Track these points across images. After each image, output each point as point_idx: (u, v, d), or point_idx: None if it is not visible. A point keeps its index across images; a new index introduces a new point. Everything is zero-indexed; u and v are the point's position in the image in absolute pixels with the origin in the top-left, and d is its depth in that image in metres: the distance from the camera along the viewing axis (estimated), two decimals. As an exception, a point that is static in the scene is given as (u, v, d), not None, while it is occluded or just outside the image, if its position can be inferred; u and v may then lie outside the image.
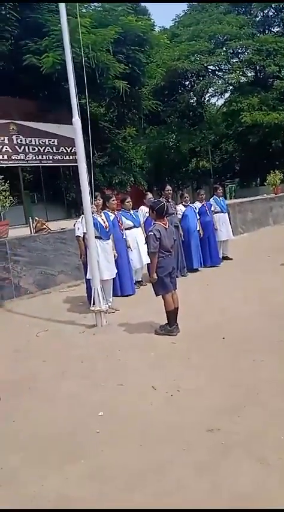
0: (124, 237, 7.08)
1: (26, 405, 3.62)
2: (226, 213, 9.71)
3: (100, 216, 6.28)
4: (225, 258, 9.54)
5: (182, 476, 2.52)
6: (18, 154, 14.51)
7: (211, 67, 25.65)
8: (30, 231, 8.34)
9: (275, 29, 25.90)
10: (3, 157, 13.95)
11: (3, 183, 7.58)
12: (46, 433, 3.12)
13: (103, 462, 2.72)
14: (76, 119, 5.41)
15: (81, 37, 5.96)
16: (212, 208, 9.26)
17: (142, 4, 23.29)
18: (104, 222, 6.26)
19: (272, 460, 2.57)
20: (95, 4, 15.53)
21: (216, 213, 9.34)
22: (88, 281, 6.23)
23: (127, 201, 7.59)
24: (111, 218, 6.72)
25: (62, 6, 5.31)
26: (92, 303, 5.57)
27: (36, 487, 2.54)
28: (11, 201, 7.74)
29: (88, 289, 6.30)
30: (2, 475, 2.65)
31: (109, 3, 14.97)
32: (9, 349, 5.11)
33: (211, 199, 9.66)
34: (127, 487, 2.48)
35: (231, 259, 9.55)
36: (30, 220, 8.62)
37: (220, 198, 9.76)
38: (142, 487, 2.47)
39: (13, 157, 14.34)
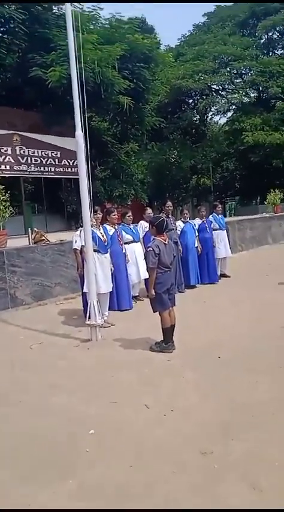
0: (123, 251, 7.07)
1: (15, 418, 3.55)
2: (225, 231, 9.73)
3: (99, 229, 6.28)
4: (223, 275, 9.53)
5: (173, 499, 2.46)
6: (21, 165, 14.58)
7: (214, 86, 26.05)
8: (29, 241, 8.32)
9: (279, 51, 26.44)
10: (5, 167, 14.01)
11: (3, 193, 7.58)
12: (35, 449, 3.05)
13: (92, 482, 2.66)
14: (79, 133, 5.43)
15: (77, 51, 5.97)
16: (211, 225, 9.27)
17: (149, 23, 23.75)
18: (103, 236, 6.26)
19: (265, 486, 2.51)
20: (102, 21, 15.73)
21: (215, 230, 9.35)
22: (84, 294, 6.19)
23: (128, 215, 7.60)
24: (111, 232, 6.72)
25: (69, 18, 5.36)
26: (88, 316, 5.53)
27: (23, 504, 2.47)
28: (11, 211, 7.74)
29: (85, 303, 6.26)
30: (-12, 491, 2.59)
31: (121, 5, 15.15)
32: (2, 360, 5.04)
33: (211, 216, 9.69)
34: (115, 506, 2.41)
35: (229, 276, 9.53)
36: (29, 231, 8.61)
37: (219, 216, 9.79)
38: (131, 506, 2.40)
39: (15, 168, 14.41)
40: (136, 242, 7.56)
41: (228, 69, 24.67)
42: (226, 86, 26.34)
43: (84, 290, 6.01)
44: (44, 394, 4.00)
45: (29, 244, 8.21)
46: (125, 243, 7.22)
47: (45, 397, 3.94)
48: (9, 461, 2.94)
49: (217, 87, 26.43)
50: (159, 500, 2.44)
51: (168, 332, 4.94)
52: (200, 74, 23.86)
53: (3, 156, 14.01)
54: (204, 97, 25.89)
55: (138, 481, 2.63)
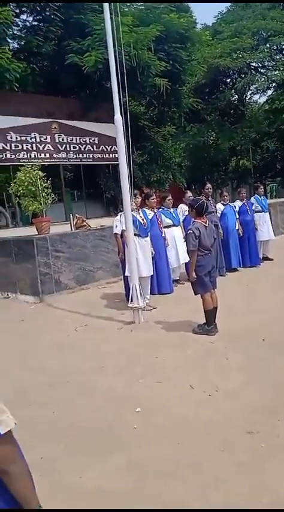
0: (163, 235, 7.07)
1: (64, 397, 3.69)
2: (267, 213, 9.48)
3: (139, 213, 6.30)
4: (265, 258, 9.33)
5: (221, 475, 2.49)
6: (60, 153, 14.81)
7: (253, 64, 25.11)
8: (71, 227, 8.49)
9: None
10: (45, 155, 14.29)
11: (45, 181, 7.76)
12: (84, 426, 3.17)
13: (141, 457, 2.74)
14: (118, 117, 5.45)
15: (116, 34, 5.95)
16: (253, 207, 9.06)
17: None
18: (143, 220, 6.28)
19: None
20: (137, 3, 15.54)
21: (257, 212, 9.13)
22: (126, 278, 6.28)
23: (168, 198, 7.56)
24: (150, 216, 6.72)
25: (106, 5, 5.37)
26: (130, 300, 5.61)
27: (75, 477, 2.59)
28: (52, 198, 7.91)
29: (127, 286, 6.35)
30: (42, 464, 2.71)
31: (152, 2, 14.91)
32: (49, 342, 5.23)
33: (252, 198, 9.46)
34: (164, 481, 2.48)
35: (272, 259, 9.32)
36: (71, 217, 8.78)
37: (262, 197, 9.55)
38: (179, 481, 2.46)
39: (55, 156, 14.66)
40: (176, 226, 7.53)
41: (268, 45, 23.67)
42: (266, 63, 25.31)
43: (126, 274, 6.09)
44: (91, 374, 4.13)
45: (71, 230, 8.38)
46: (165, 227, 7.21)
47: (92, 377, 4.06)
48: (60, 437, 3.06)
49: (256, 65, 25.46)
50: (207, 478, 2.48)
51: (211, 314, 4.93)
52: (238, 52, 23.05)
53: (43, 145, 14.28)
54: (243, 75, 25.03)
55: (185, 458, 2.68)
